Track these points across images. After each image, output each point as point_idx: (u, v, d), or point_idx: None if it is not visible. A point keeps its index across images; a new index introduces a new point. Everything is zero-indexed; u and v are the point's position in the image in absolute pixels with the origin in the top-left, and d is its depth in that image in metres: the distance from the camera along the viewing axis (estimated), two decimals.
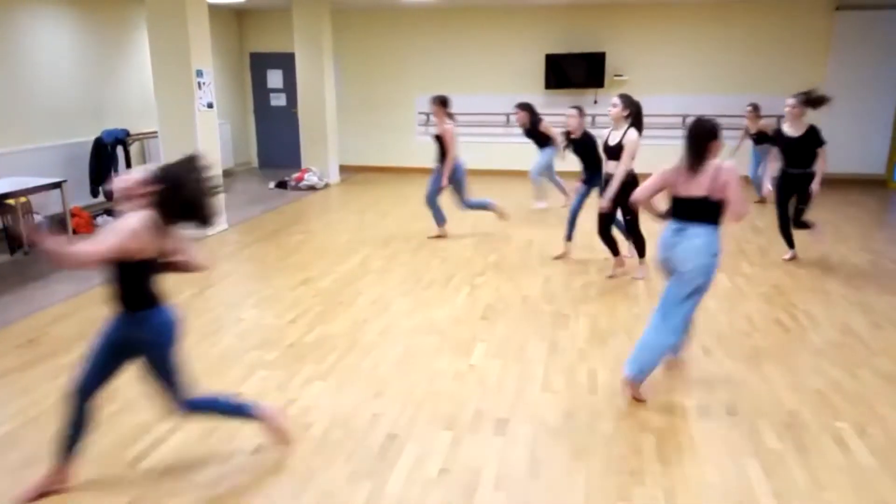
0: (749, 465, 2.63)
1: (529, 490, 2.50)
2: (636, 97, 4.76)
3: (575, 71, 9.28)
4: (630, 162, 4.62)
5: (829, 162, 8.88)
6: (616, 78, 9.25)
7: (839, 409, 3.08)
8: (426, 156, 10.17)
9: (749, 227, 6.65)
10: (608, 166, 4.81)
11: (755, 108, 7.67)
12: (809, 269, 5.27)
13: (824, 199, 7.94)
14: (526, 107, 7.12)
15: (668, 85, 9.22)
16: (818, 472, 2.59)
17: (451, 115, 6.04)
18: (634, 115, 4.64)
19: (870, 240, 6.20)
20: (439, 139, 5.98)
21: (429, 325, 4.12)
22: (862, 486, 2.50)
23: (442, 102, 5.96)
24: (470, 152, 10.02)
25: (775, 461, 2.66)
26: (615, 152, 4.67)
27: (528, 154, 9.86)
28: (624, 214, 4.89)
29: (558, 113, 9.54)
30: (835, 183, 8.94)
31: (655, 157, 9.37)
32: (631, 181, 4.55)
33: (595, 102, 9.42)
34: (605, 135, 4.82)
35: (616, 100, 4.68)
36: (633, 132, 4.61)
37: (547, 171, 7.38)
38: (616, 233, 5.10)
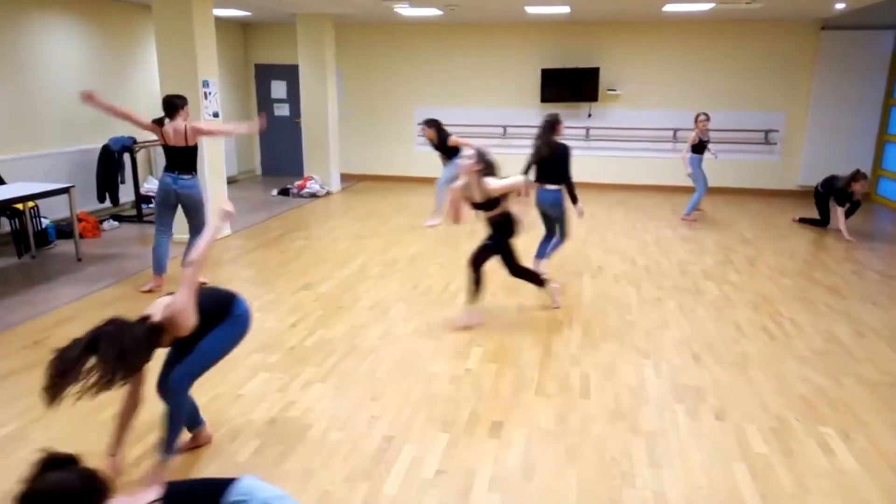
0: (736, 469, 2.69)
1: (523, 491, 2.55)
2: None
3: (570, 85, 9.43)
4: None
5: (816, 176, 9.09)
6: (609, 92, 9.39)
7: (824, 415, 3.15)
8: (425, 165, 10.32)
9: (737, 238, 6.75)
10: None
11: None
12: (795, 278, 5.36)
13: (811, 210, 8.04)
14: (432, 123, 7.03)
15: (659, 100, 9.38)
16: (803, 476, 2.66)
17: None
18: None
19: (853, 251, 6.30)
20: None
21: (426, 329, 4.20)
22: (845, 490, 2.57)
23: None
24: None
25: (762, 465, 2.72)
26: None
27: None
28: None
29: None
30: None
31: (646, 169, 9.62)
32: None
33: (589, 116, 9.57)
34: None
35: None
36: None
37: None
38: None
